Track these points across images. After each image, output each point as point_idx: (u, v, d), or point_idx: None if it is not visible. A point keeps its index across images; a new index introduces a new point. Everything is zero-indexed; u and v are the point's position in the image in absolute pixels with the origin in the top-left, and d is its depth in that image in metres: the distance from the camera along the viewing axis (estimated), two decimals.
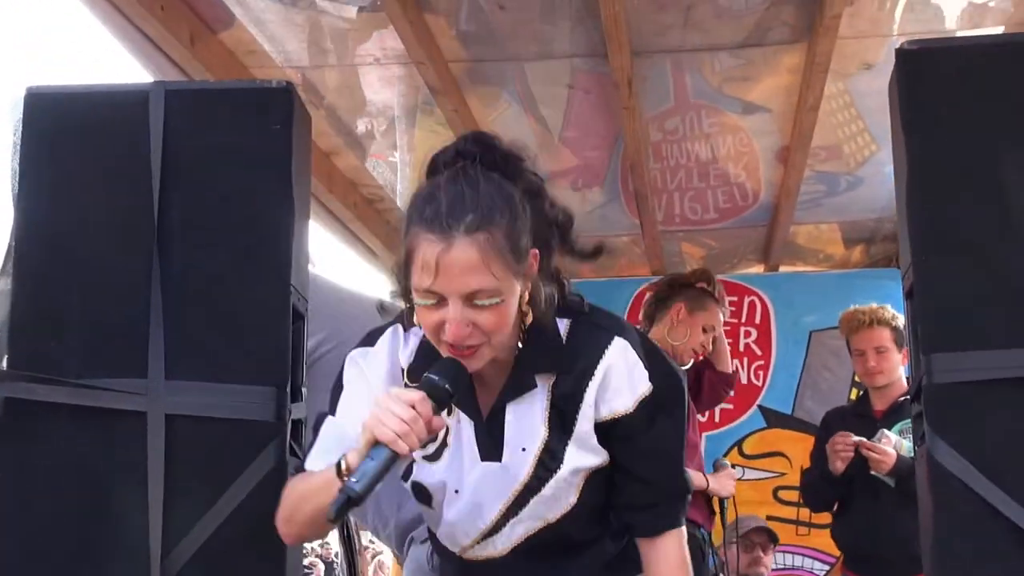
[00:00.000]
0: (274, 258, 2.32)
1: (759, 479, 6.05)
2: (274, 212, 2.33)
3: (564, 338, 2.05)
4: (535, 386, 2.04)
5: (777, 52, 3.90)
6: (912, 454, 3.39)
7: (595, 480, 2.09)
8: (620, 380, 2.03)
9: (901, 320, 3.90)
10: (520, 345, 2.02)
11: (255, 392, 2.27)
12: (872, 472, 4.15)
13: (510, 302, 1.92)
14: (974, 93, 2.20)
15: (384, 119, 4.44)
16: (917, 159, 2.19)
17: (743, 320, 6.38)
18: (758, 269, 6.50)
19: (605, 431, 2.06)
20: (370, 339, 2.12)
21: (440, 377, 1.91)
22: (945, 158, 2.19)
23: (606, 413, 2.04)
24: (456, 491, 2.09)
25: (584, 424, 2.04)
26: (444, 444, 2.08)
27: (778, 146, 4.76)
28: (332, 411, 2.08)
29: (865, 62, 3.93)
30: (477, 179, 1.91)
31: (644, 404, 2.04)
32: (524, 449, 2.05)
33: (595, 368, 2.03)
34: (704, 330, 4.26)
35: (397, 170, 4.91)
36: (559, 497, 2.07)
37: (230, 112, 2.38)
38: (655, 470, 2.10)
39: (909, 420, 2.86)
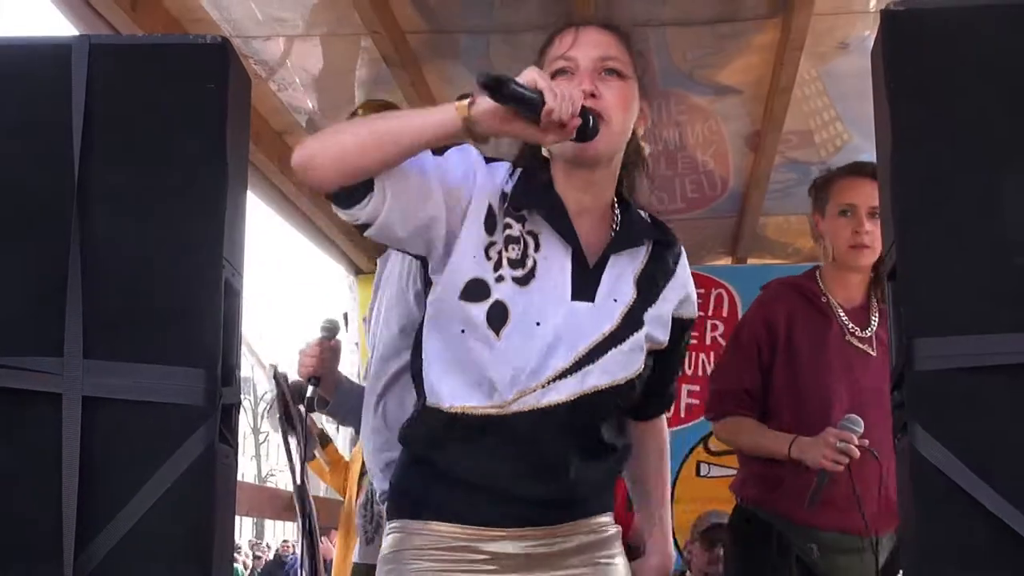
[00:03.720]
0: (206, 229, 2.13)
1: (724, 476, 5.95)
2: (206, 179, 2.14)
3: (650, 221, 2.25)
4: (642, 244, 2.18)
5: (750, 28, 3.77)
6: None
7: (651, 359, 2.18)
8: (692, 287, 2.28)
9: None
10: (617, 205, 2.20)
11: (182, 374, 2.08)
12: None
13: (633, 91, 2.13)
14: (964, 58, 2.06)
15: (341, 94, 4.27)
16: (902, 129, 2.04)
17: (710, 313, 6.30)
18: (726, 261, 6.42)
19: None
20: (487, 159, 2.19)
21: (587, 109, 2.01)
22: (933, 129, 2.04)
23: (683, 313, 2.26)
24: (537, 323, 2.06)
25: (667, 300, 2.21)
26: (532, 274, 2.09)
27: (748, 131, 4.67)
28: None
29: (841, 40, 3.81)
30: None
31: (691, 322, 2.31)
32: (616, 300, 2.12)
33: (679, 259, 2.26)
34: None
35: None
36: (633, 358, 2.12)
37: (160, 70, 2.19)
38: (675, 368, 2.37)
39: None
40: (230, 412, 2.17)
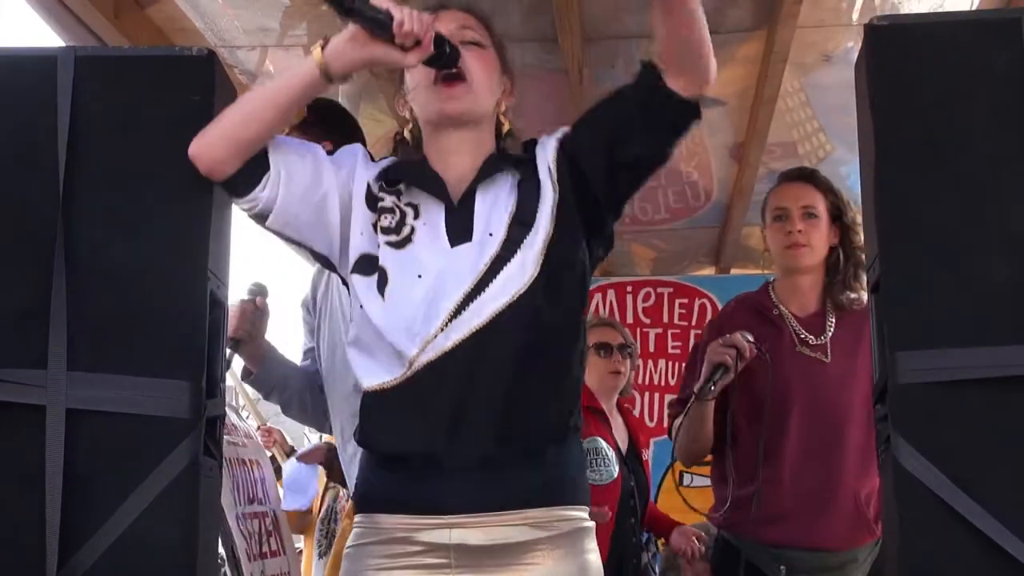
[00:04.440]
0: (191, 241, 2.13)
1: (706, 486, 5.93)
2: (191, 191, 2.14)
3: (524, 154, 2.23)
4: (501, 170, 2.17)
5: (735, 40, 3.78)
6: None
7: (557, 253, 2.10)
8: (548, 134, 2.21)
9: (840, 194, 3.24)
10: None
11: (167, 386, 2.08)
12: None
13: (492, 58, 2.22)
14: (947, 73, 2.07)
15: None
16: (885, 142, 2.05)
17: (694, 323, 6.30)
18: (709, 271, 6.42)
19: (560, 164, 2.16)
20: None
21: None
22: (915, 143, 2.05)
23: (550, 150, 2.17)
24: (419, 276, 2.08)
25: (544, 180, 2.14)
26: (409, 238, 2.13)
27: (732, 142, 4.67)
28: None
29: (824, 53, 3.83)
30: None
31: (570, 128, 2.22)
32: (491, 234, 2.10)
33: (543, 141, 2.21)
34: None
35: None
36: (524, 269, 2.07)
37: (146, 82, 2.19)
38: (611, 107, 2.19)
39: None
40: (215, 424, 2.17)
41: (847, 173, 4.43)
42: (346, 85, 4.08)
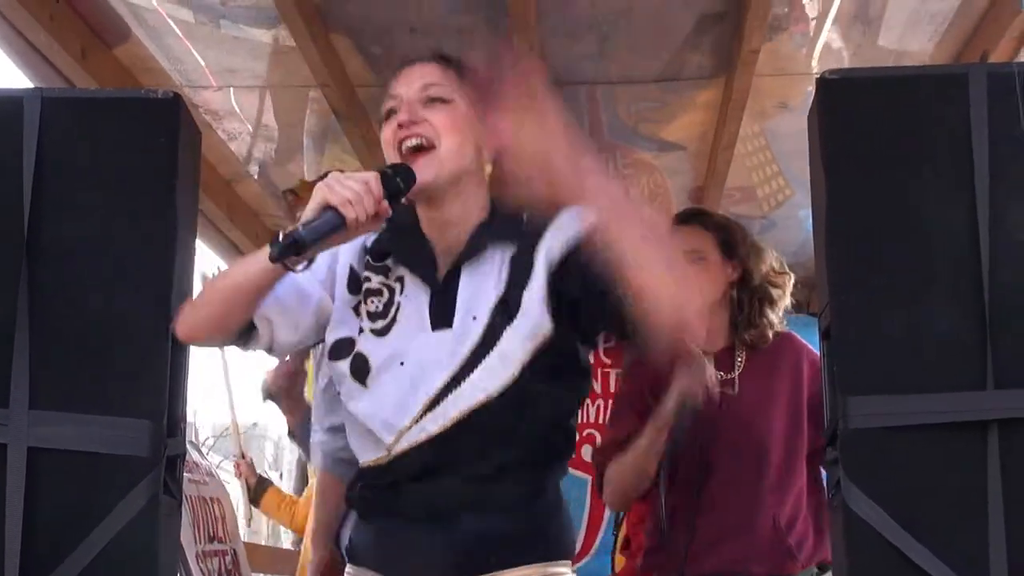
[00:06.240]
0: (154, 281, 2.16)
1: None
2: (155, 231, 2.17)
3: (526, 219, 2.08)
4: (488, 247, 2.05)
5: (694, 87, 3.83)
6: None
7: (540, 365, 2.00)
8: (569, 217, 2.01)
9: (734, 230, 3.12)
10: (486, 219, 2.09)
11: (128, 424, 2.10)
12: None
13: (462, 112, 2.04)
14: (896, 125, 2.12)
15: (291, 145, 4.29)
16: (836, 192, 2.10)
17: None
18: None
19: (561, 275, 2.01)
20: None
21: (392, 169, 1.96)
22: (865, 193, 2.11)
23: (558, 245, 2.01)
24: (401, 363, 2.03)
25: (540, 270, 2.02)
26: (394, 320, 2.06)
27: (692, 185, 4.71)
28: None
29: (782, 101, 3.88)
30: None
31: (583, 235, 1.97)
32: (475, 318, 2.02)
33: (550, 224, 2.04)
34: None
35: None
36: (505, 362, 1.99)
37: (112, 123, 2.23)
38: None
39: None
40: (175, 463, 2.18)
41: (805, 216, 4.47)
42: (311, 123, 4.12)
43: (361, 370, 2.04)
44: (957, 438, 2.03)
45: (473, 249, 2.06)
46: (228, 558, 3.51)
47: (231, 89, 3.84)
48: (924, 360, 2.06)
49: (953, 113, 2.10)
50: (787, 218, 4.98)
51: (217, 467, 4.48)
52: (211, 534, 3.43)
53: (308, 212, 1.88)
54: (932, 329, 2.06)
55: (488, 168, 2.10)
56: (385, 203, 1.92)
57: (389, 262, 2.10)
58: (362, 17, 3.42)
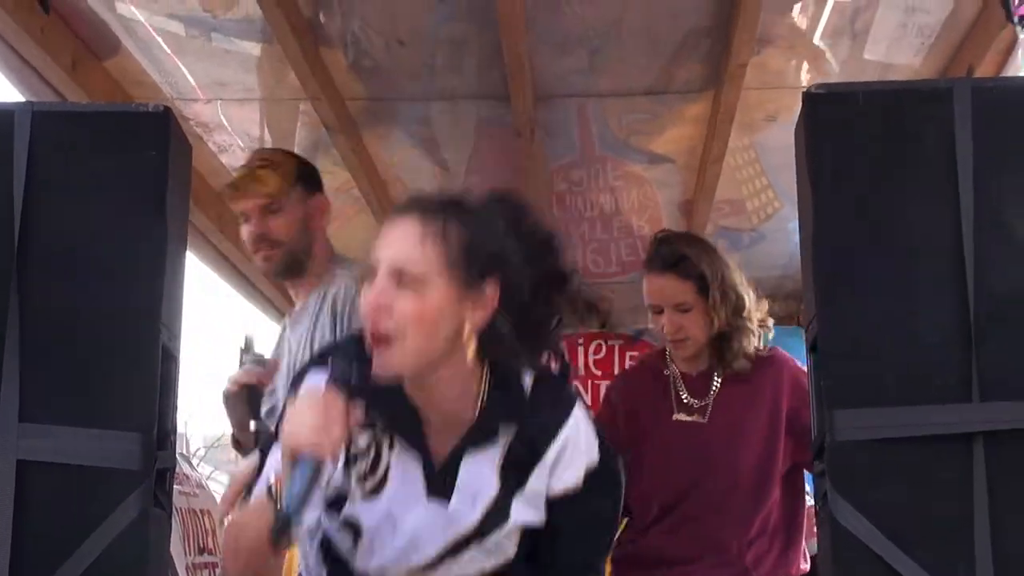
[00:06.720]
0: (144, 294, 2.16)
1: None
2: (145, 245, 2.17)
3: (528, 392, 2.06)
4: (497, 435, 2.02)
5: (683, 100, 3.85)
6: None
7: (534, 535, 2.07)
8: (575, 451, 2.04)
9: (712, 267, 3.09)
10: (486, 391, 2.03)
11: (118, 438, 2.09)
12: None
13: (434, 299, 1.91)
14: (881, 139, 2.13)
15: None
16: (822, 206, 2.11)
17: None
18: None
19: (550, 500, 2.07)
20: (322, 360, 2.09)
21: (347, 376, 1.90)
22: (851, 207, 2.11)
23: (557, 487, 2.05)
24: (393, 528, 2.04)
25: (536, 483, 2.04)
26: (385, 478, 2.04)
27: (681, 198, 4.73)
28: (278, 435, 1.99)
29: (771, 114, 3.90)
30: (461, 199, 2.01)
31: (591, 475, 2.06)
32: (475, 500, 2.02)
33: (557, 433, 2.04)
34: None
35: None
36: (501, 549, 2.04)
37: (102, 137, 2.22)
38: (581, 543, 2.10)
39: None
40: (164, 476, 2.18)
41: (794, 229, 4.49)
42: (301, 136, 4.13)
43: (353, 532, 2.06)
44: (943, 450, 2.03)
45: (480, 435, 2.04)
46: (218, 570, 3.51)
47: (221, 102, 3.85)
48: (910, 373, 2.06)
49: (938, 128, 2.11)
50: (776, 231, 5.01)
51: (208, 478, 4.47)
52: (201, 546, 3.43)
53: (282, 467, 1.86)
54: (918, 342, 2.07)
55: (473, 344, 2.01)
56: (355, 413, 1.88)
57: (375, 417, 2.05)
58: (352, 30, 3.44)
